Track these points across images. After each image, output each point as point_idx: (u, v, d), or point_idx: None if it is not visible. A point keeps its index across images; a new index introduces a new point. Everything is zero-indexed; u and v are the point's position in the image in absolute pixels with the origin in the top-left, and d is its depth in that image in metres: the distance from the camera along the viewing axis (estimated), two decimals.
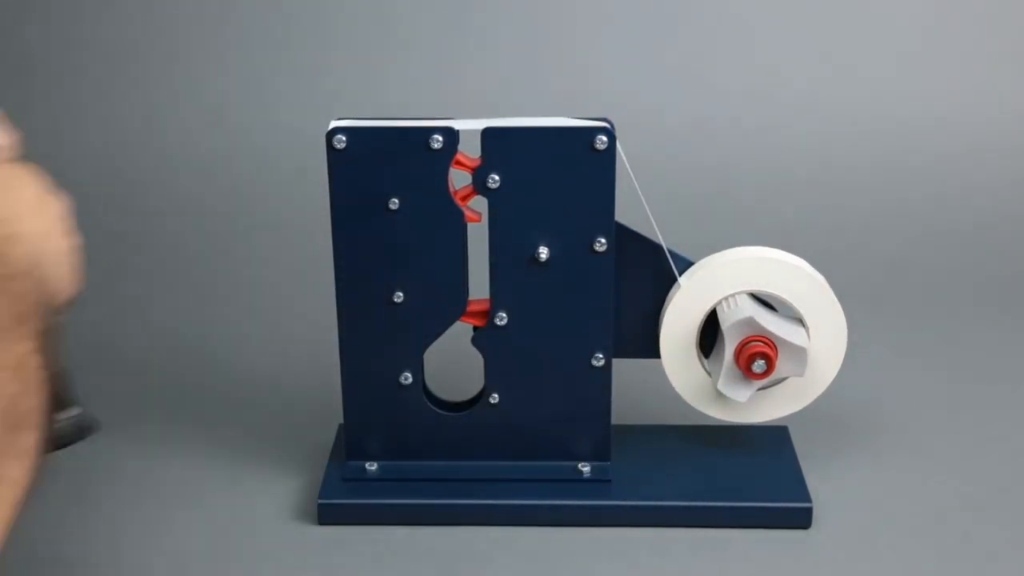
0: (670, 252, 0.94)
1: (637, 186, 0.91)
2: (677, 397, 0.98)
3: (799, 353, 0.93)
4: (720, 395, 0.96)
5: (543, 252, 0.91)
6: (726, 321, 0.93)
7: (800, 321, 0.95)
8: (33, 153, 0.74)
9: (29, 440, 0.68)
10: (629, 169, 0.90)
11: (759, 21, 1.69)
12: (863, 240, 1.49)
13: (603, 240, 0.91)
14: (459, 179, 0.91)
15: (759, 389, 0.96)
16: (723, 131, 1.65)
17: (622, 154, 0.89)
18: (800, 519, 0.95)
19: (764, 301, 0.96)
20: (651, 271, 0.95)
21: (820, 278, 0.95)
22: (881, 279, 1.40)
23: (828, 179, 1.59)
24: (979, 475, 1.03)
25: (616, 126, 0.89)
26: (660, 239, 0.94)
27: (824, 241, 1.45)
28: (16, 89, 1.65)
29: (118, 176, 1.62)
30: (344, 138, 0.88)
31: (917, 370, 1.21)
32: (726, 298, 0.94)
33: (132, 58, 1.71)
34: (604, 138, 0.88)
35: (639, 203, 0.92)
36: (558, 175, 0.89)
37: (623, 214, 0.92)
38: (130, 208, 1.57)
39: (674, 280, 0.95)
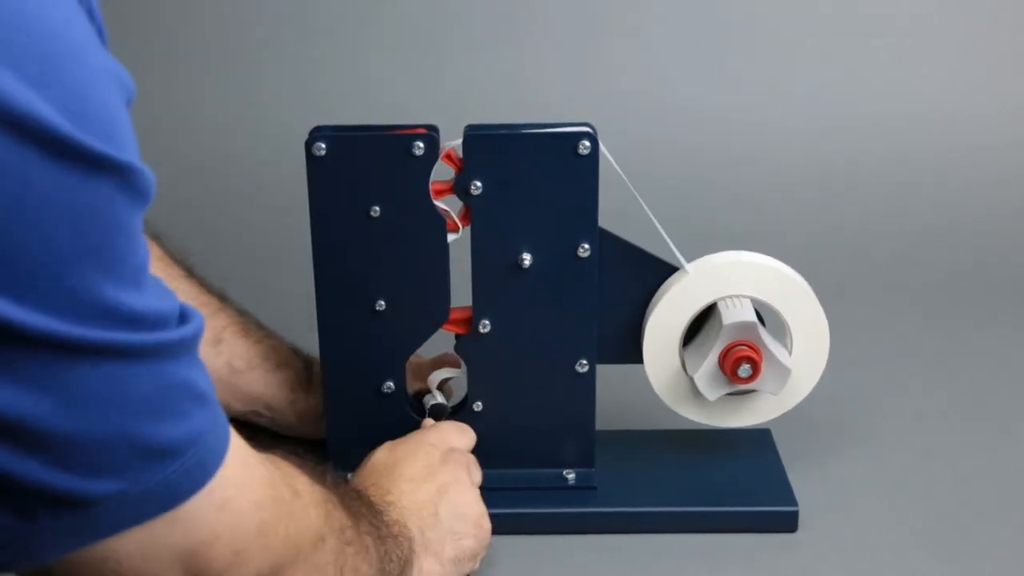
0: (655, 258, 0.93)
1: (633, 187, 0.90)
2: (660, 402, 0.98)
3: (783, 372, 0.93)
4: (702, 400, 0.96)
5: (526, 258, 0.90)
6: (729, 318, 0.92)
7: (784, 344, 0.95)
8: None
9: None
10: (619, 170, 0.89)
11: (759, 22, 1.69)
12: (858, 240, 1.49)
13: (587, 245, 0.90)
14: (444, 173, 0.90)
15: (729, 394, 0.96)
16: (722, 130, 1.64)
17: (608, 156, 0.88)
18: (786, 523, 0.95)
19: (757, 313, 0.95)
20: (634, 276, 0.94)
21: (803, 282, 0.95)
22: (873, 279, 1.41)
23: (826, 178, 1.59)
24: (967, 477, 1.03)
25: (610, 127, 0.89)
26: (661, 237, 0.92)
27: (820, 240, 1.45)
28: None
29: None
30: (324, 145, 0.87)
31: (904, 371, 1.21)
32: (731, 296, 0.94)
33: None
34: (587, 143, 0.87)
35: (629, 205, 0.91)
36: (541, 180, 0.88)
37: (609, 217, 0.91)
38: None
39: (658, 283, 0.94)
